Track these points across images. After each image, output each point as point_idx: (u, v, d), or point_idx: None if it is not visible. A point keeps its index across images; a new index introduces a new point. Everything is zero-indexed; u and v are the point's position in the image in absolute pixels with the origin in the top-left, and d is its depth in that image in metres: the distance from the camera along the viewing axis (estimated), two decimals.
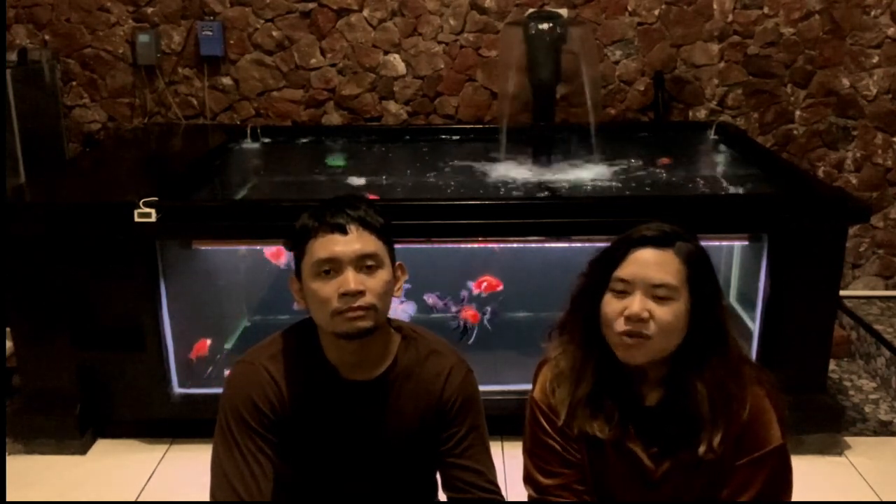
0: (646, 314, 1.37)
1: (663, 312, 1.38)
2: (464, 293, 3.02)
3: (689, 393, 1.41)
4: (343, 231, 1.45)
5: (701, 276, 1.41)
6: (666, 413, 1.44)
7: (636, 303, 1.38)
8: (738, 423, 1.42)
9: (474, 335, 2.99)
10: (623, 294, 1.40)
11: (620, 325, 1.39)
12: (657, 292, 1.38)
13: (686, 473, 1.44)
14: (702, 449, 1.41)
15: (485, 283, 2.98)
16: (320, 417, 1.53)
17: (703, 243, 1.47)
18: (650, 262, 1.40)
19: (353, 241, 1.44)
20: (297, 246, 1.49)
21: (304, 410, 1.52)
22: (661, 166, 3.31)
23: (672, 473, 1.45)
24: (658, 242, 1.41)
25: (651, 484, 1.46)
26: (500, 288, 2.96)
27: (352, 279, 1.43)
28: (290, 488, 1.58)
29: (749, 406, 1.42)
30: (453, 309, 3.03)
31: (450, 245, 2.77)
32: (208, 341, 2.92)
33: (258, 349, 1.57)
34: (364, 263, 1.45)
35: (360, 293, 1.43)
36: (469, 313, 2.99)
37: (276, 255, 2.90)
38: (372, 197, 2.77)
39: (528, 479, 1.55)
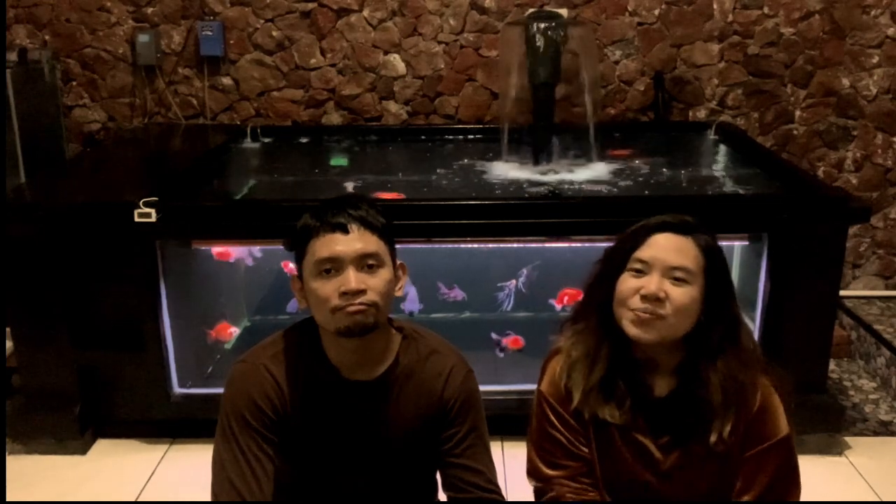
0: (662, 294, 1.40)
1: (679, 294, 1.41)
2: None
3: (703, 382, 1.43)
4: (344, 230, 1.45)
5: (716, 268, 1.45)
6: (677, 403, 1.46)
7: (653, 282, 1.41)
8: (749, 414, 1.44)
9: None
10: (640, 273, 1.43)
11: (636, 303, 1.42)
12: (675, 274, 1.42)
13: (695, 464, 1.46)
14: (713, 439, 1.43)
15: (566, 297, 2.86)
16: (321, 417, 1.52)
17: None
18: (670, 247, 1.43)
19: (354, 241, 1.44)
20: (299, 245, 1.49)
21: (305, 410, 1.52)
22: (616, 157, 3.27)
23: (681, 464, 1.47)
24: (678, 229, 1.45)
25: (660, 474, 1.48)
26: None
27: (353, 278, 1.43)
28: (290, 488, 1.58)
29: (760, 397, 1.45)
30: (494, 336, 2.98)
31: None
32: (232, 328, 2.90)
33: (259, 349, 1.57)
34: (365, 263, 1.45)
35: (361, 292, 1.43)
36: (510, 340, 2.95)
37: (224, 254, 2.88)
38: (394, 196, 2.74)
39: (533, 472, 1.57)
